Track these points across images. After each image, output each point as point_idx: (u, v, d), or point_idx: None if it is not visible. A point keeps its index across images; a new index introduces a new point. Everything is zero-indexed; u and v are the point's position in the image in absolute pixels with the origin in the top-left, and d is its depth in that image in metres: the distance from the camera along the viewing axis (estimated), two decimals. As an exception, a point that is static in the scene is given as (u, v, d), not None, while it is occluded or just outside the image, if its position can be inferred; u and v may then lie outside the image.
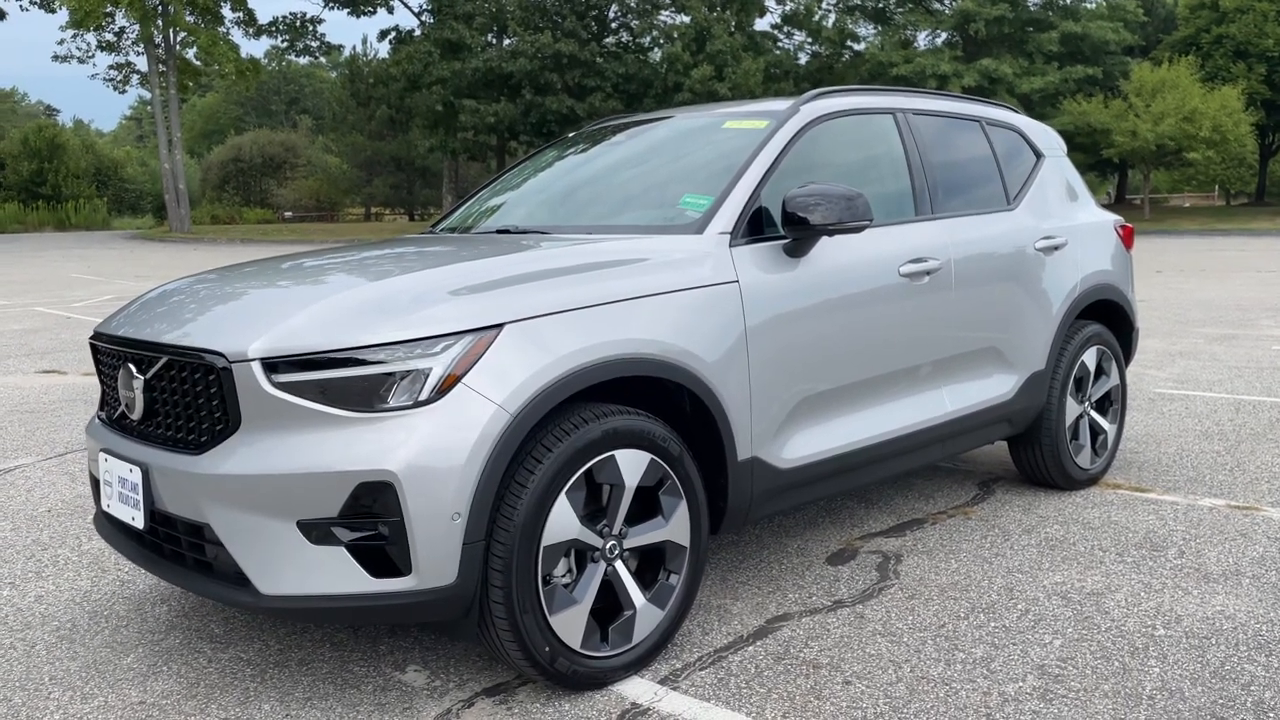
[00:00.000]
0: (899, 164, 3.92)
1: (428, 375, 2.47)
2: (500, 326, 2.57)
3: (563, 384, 2.61)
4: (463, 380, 2.48)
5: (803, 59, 41.17)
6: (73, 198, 52.09)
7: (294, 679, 2.91)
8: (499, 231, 3.61)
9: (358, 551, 2.47)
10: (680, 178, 3.65)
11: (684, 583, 2.97)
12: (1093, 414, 4.70)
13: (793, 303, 3.24)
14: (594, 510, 2.78)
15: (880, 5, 40.85)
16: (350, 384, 2.45)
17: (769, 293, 3.18)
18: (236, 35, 41.48)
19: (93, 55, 43.24)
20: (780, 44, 40.44)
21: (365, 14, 40.03)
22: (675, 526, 2.91)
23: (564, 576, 2.72)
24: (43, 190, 52.42)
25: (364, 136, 53.44)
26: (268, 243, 31.80)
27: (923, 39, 40.45)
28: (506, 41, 35.30)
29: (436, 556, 2.44)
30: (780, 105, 3.72)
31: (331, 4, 39.94)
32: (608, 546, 2.77)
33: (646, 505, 2.89)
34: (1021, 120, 4.73)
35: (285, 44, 40.74)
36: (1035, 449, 4.52)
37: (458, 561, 2.46)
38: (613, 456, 2.73)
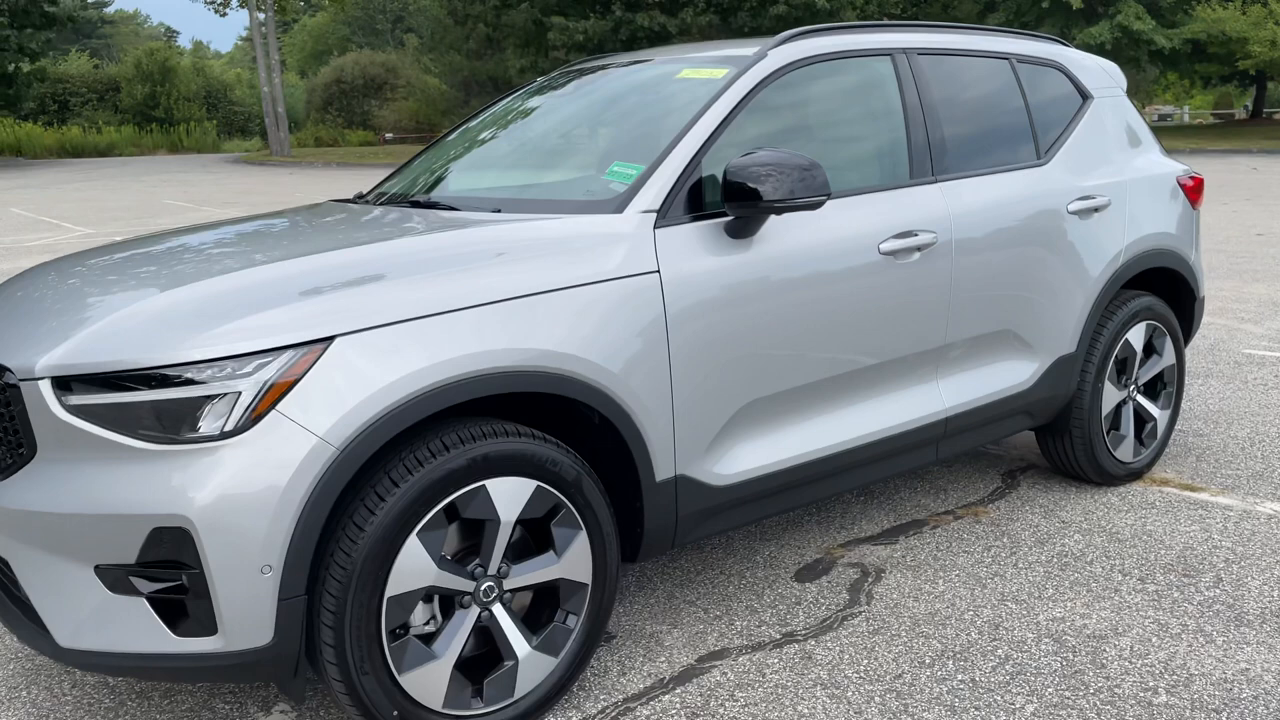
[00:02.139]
0: (894, 117, 3.32)
1: (236, 400, 2.09)
2: (330, 339, 2.16)
3: (411, 407, 2.20)
4: (277, 407, 2.09)
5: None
6: (184, 120, 53.38)
7: (152, 713, 2.63)
8: (411, 204, 3.17)
9: (159, 605, 2.14)
10: (616, 142, 3.15)
11: (585, 624, 2.57)
12: (1139, 399, 4.07)
13: (733, 294, 2.75)
14: (465, 548, 2.39)
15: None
16: (147, 409, 2.09)
17: (702, 283, 2.69)
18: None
19: (195, -22, 43.41)
20: (886, -49, 38.11)
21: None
22: (572, 562, 2.50)
23: (426, 625, 2.35)
24: (156, 113, 53.82)
25: (462, 56, 53.08)
26: (363, 166, 31.94)
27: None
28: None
29: (245, 614, 2.09)
30: (747, 50, 3.16)
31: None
32: (481, 589, 2.38)
33: (537, 538, 2.49)
34: (1067, 54, 4.02)
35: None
36: (1065, 441, 3.94)
37: (273, 620, 2.11)
38: (483, 488, 2.32)
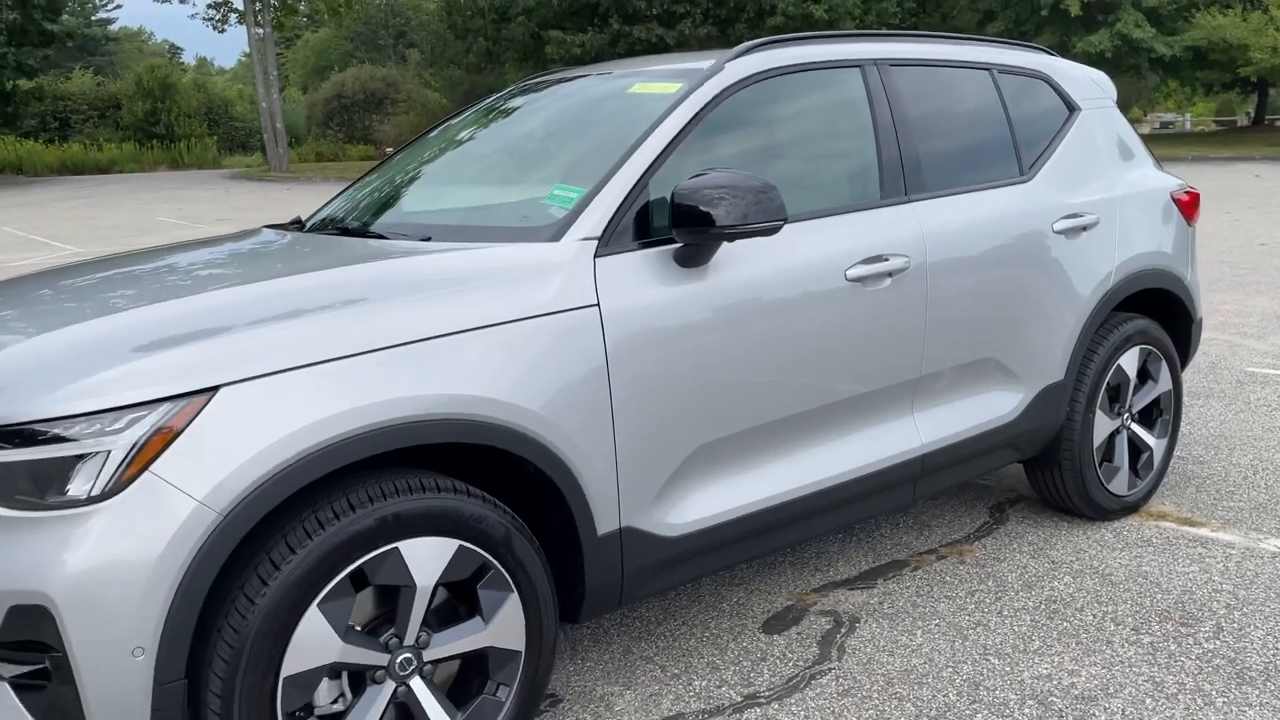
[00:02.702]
0: (863, 133, 3.09)
1: (105, 460, 1.86)
2: (214, 389, 1.93)
3: (307, 464, 1.97)
4: (151, 467, 1.87)
5: (909, -24, 38.60)
6: (185, 137, 53.34)
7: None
8: (342, 230, 2.95)
9: (23, 691, 1.91)
10: (558, 163, 2.92)
11: (518, 696, 2.33)
12: (1134, 429, 3.83)
13: (683, 328, 2.52)
14: (379, 616, 2.16)
15: (996, -86, 37.88)
16: (9, 469, 1.87)
17: (648, 317, 2.46)
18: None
19: (193, -5, 43.49)
20: (884, -40, 37.95)
21: (455, -57, 39.15)
22: (501, 627, 2.27)
23: (334, 703, 2.12)
24: (156, 130, 53.74)
25: (462, 70, 53.01)
26: (357, 181, 31.75)
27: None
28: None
29: (115, 702, 1.86)
30: (704, 63, 2.94)
31: (421, -66, 39.21)
32: (397, 662, 2.14)
33: (463, 601, 2.26)
34: (1053, 64, 3.80)
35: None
36: (1054, 474, 3.70)
37: (148, 707, 1.88)
38: (395, 550, 2.09)
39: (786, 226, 2.71)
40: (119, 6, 75.09)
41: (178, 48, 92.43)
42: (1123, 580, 3.33)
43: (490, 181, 3.01)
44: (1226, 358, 6.32)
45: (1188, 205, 3.95)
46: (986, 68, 3.52)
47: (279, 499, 1.94)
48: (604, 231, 2.47)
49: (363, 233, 2.84)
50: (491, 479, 2.40)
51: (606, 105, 3.07)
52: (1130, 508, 3.84)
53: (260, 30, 37.99)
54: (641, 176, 2.56)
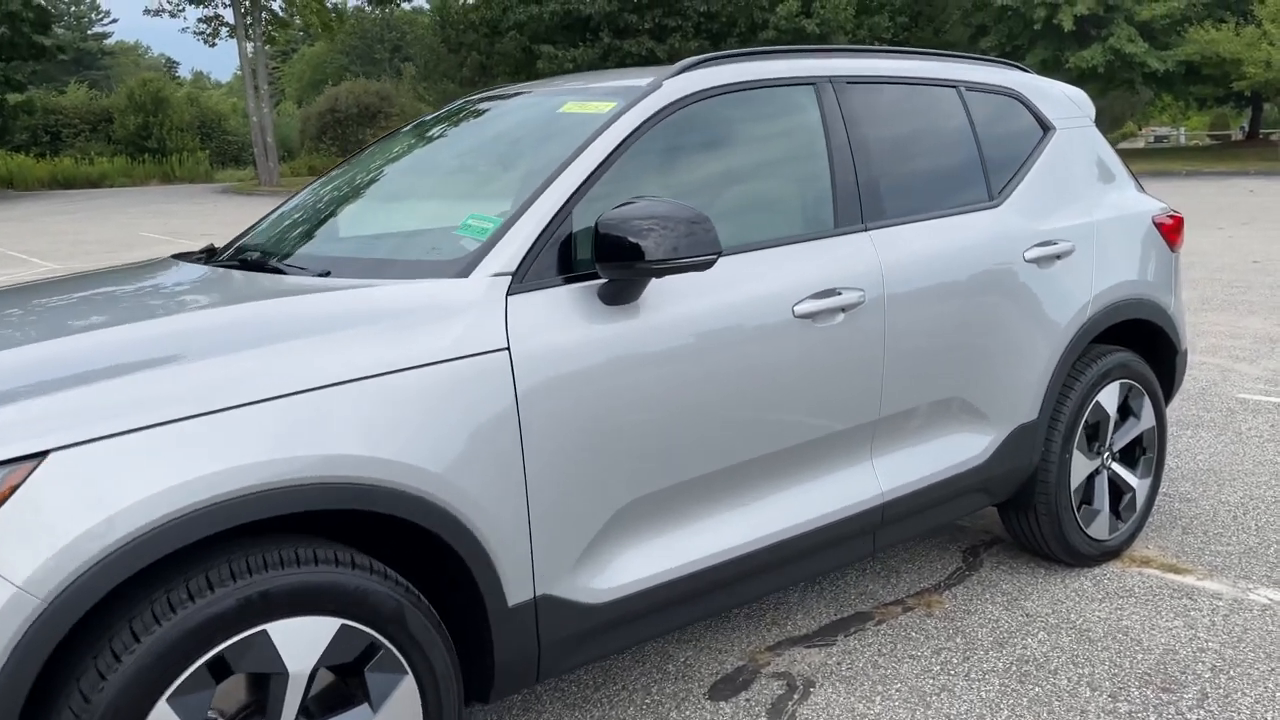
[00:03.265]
0: (816, 156, 2.86)
1: None
2: (43, 455, 1.68)
3: (152, 540, 1.72)
4: None
5: (901, -10, 38.54)
6: (177, 151, 53.10)
7: None
8: (241, 263, 2.70)
9: None
10: (476, 189, 2.69)
11: (414, 788, 2.08)
12: (1115, 468, 3.59)
13: (609, 372, 2.27)
14: (249, 706, 1.91)
15: (988, -71, 37.84)
16: None
17: (568, 360, 2.22)
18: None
19: (183, 9, 43.29)
20: (877, -25, 37.87)
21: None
22: (393, 714, 2.02)
23: (195, 807, 1.87)
24: (149, 144, 53.50)
25: (455, 84, 52.91)
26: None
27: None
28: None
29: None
30: (643, 80, 2.71)
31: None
32: (269, 758, 1.89)
33: (350, 686, 2.00)
34: (1025, 80, 3.57)
35: (368, -8, 40.13)
36: (1029, 519, 3.45)
37: (-39, 827, 1.63)
38: (263, 633, 1.84)
39: (729, 259, 2.49)
40: (115, 21, 75.01)
41: (174, 62, 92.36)
42: (1101, 637, 3.08)
43: (407, 209, 2.77)
44: (1217, 383, 6.09)
45: (1170, 230, 3.72)
46: (953, 85, 3.29)
47: (116, 581, 1.69)
48: (519, 266, 2.23)
49: (262, 265, 2.60)
50: (397, 544, 2.16)
51: (536, 126, 2.84)
52: (1111, 553, 3.60)
53: (251, 44, 37.85)
54: (564, 205, 2.33)
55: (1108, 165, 3.69)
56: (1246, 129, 44.09)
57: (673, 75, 2.68)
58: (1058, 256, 3.28)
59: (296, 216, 3.03)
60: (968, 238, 3.08)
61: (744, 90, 2.78)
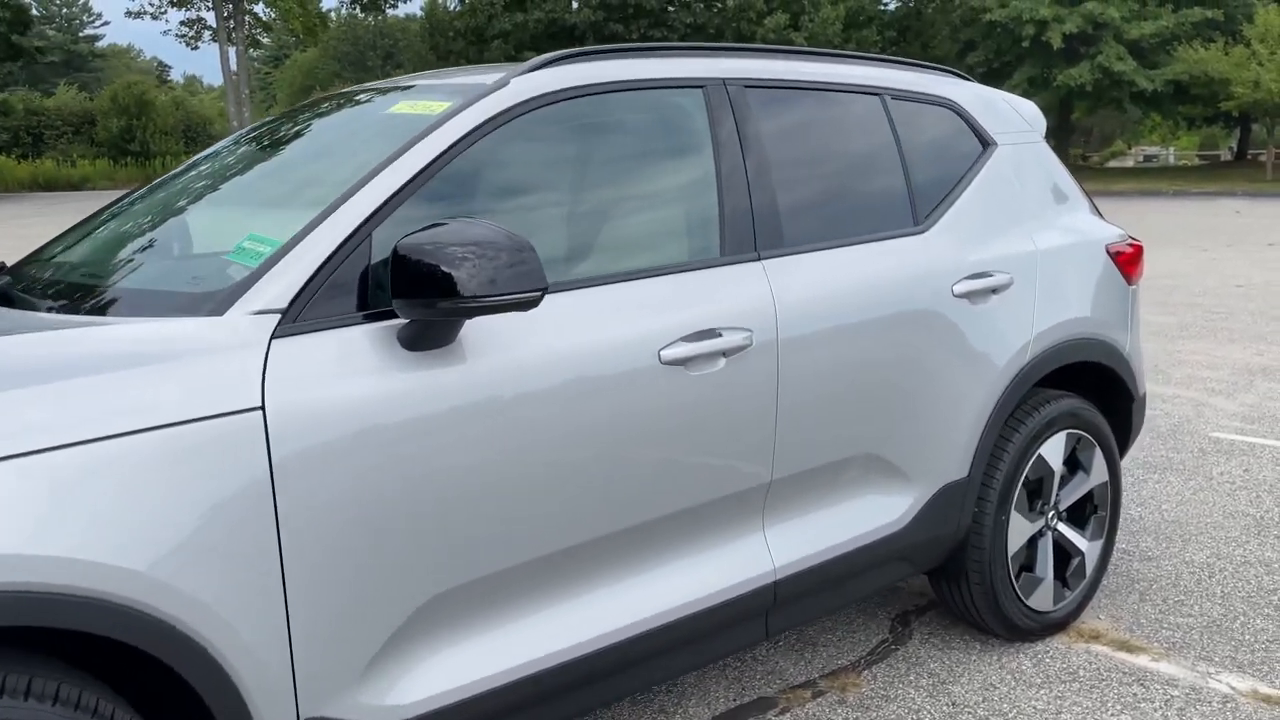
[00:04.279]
0: (701, 172, 2.44)
1: None
2: None
3: None
4: None
5: (890, 4, 38.40)
6: (161, 154, 52.54)
7: None
8: (24, 289, 2.23)
9: None
10: (266, 205, 2.25)
11: None
12: (1061, 529, 3.16)
13: (405, 435, 1.84)
14: None
15: (978, -56, 37.65)
16: None
17: (347, 422, 1.77)
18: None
19: (165, 11, 42.80)
20: (866, -12, 37.69)
21: (431, -38, 38.76)
22: None
23: None
24: (131, 147, 52.89)
25: (443, 92, 52.36)
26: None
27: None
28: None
29: None
30: (490, 77, 2.28)
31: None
32: None
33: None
34: (964, 90, 3.15)
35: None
36: (961, 589, 3.03)
37: None
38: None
39: (581, 295, 2.07)
40: (107, 24, 74.44)
41: (166, 65, 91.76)
42: (1034, 735, 2.65)
43: (192, 229, 2.32)
44: (1190, 420, 5.68)
45: (1128, 260, 3.30)
46: (876, 93, 2.87)
47: None
48: (294, 301, 1.79)
49: (4, 295, 2.15)
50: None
51: (359, 130, 2.41)
52: (1056, 625, 3.17)
53: (233, 47, 37.43)
54: (363, 225, 1.89)
55: (1058, 187, 3.27)
56: (1235, 149, 43.97)
57: (524, 72, 2.25)
58: (993, 290, 2.86)
59: (74, 239, 2.54)
60: (885, 269, 2.65)
61: (614, 92, 2.35)
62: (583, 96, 2.29)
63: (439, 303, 1.76)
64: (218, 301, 1.77)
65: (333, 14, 55.45)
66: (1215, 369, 6.94)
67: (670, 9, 33.65)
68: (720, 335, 2.26)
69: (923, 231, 2.80)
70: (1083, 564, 3.21)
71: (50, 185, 45.66)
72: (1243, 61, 30.50)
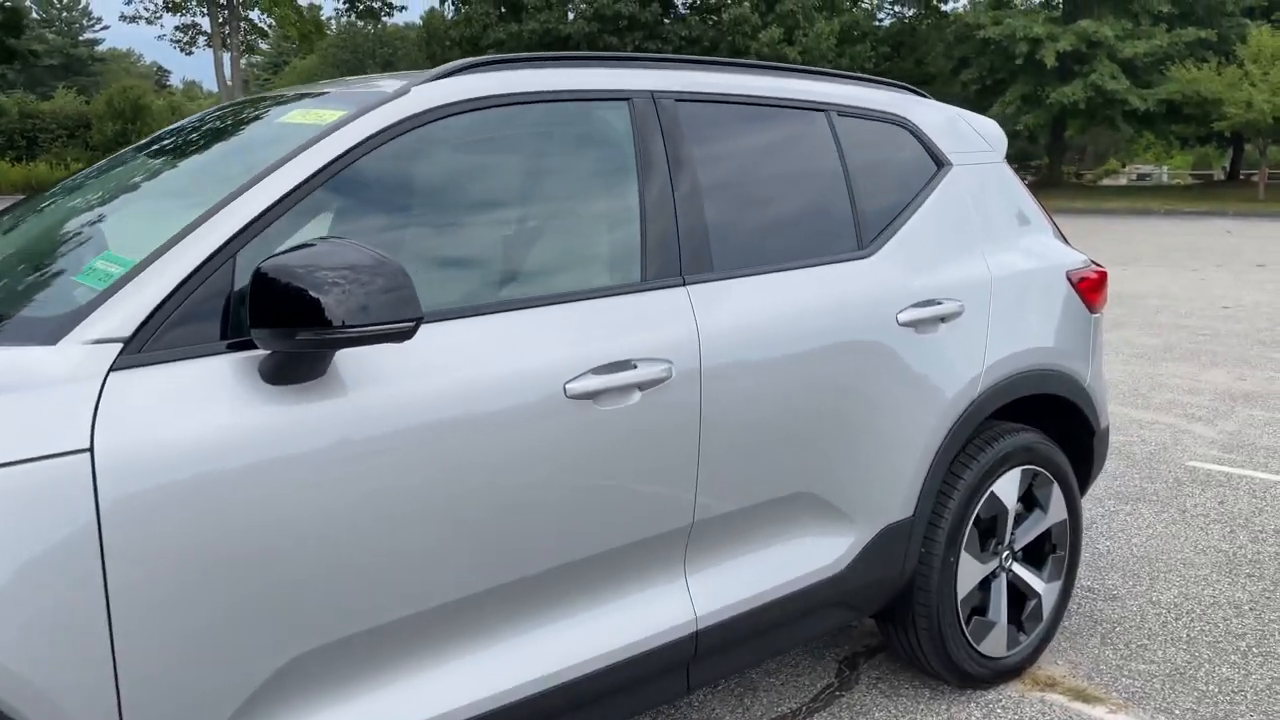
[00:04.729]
0: (622, 190, 2.28)
1: None
2: None
3: None
4: None
5: (885, 20, 38.42)
6: (154, 159, 52.34)
7: None
8: None
9: None
10: (128, 223, 2.08)
11: None
12: (1016, 570, 2.99)
13: (262, 479, 1.67)
14: None
15: (973, -39, 37.69)
16: None
17: (190, 465, 1.60)
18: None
19: (160, 16, 42.67)
20: (861, 4, 37.75)
21: (428, -27, 38.72)
22: None
23: None
24: (125, 151, 52.84)
25: (439, 100, 52.27)
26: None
27: (1020, -1, 37.23)
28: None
29: None
30: (392, 85, 2.12)
31: (394, -38, 38.73)
32: None
33: None
34: (918, 106, 3.00)
35: (346, 4, 39.64)
36: (907, 634, 2.86)
37: None
38: None
39: (478, 323, 1.91)
40: (106, 28, 74.38)
41: (165, 70, 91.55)
42: (977, 796, 2.48)
43: (67, 244, 2.15)
44: (1167, 448, 5.52)
45: (1090, 287, 3.14)
46: (821, 108, 2.71)
47: None
48: (139, 329, 1.62)
49: None
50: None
51: (247, 141, 2.24)
52: (1010, 671, 3.00)
53: (228, 53, 37.29)
54: (225, 245, 1.73)
55: (1018, 210, 3.12)
56: (1228, 169, 44.00)
57: (428, 80, 2.09)
58: (942, 319, 2.70)
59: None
60: (824, 296, 2.49)
61: (529, 103, 2.19)
62: (492, 107, 2.13)
63: (299, 334, 1.60)
64: (52, 329, 1.60)
65: (332, 22, 55.40)
66: (1196, 394, 6.80)
67: (665, 22, 33.57)
68: (635, 367, 2.09)
69: (867, 256, 2.64)
70: (1039, 607, 3.04)
71: (43, 188, 45.38)
72: (1235, 82, 30.50)
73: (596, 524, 2.08)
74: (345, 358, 1.76)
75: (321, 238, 1.69)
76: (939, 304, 2.70)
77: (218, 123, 2.45)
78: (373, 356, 1.79)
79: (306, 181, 1.83)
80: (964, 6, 37.20)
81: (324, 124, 1.97)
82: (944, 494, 2.75)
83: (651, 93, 2.36)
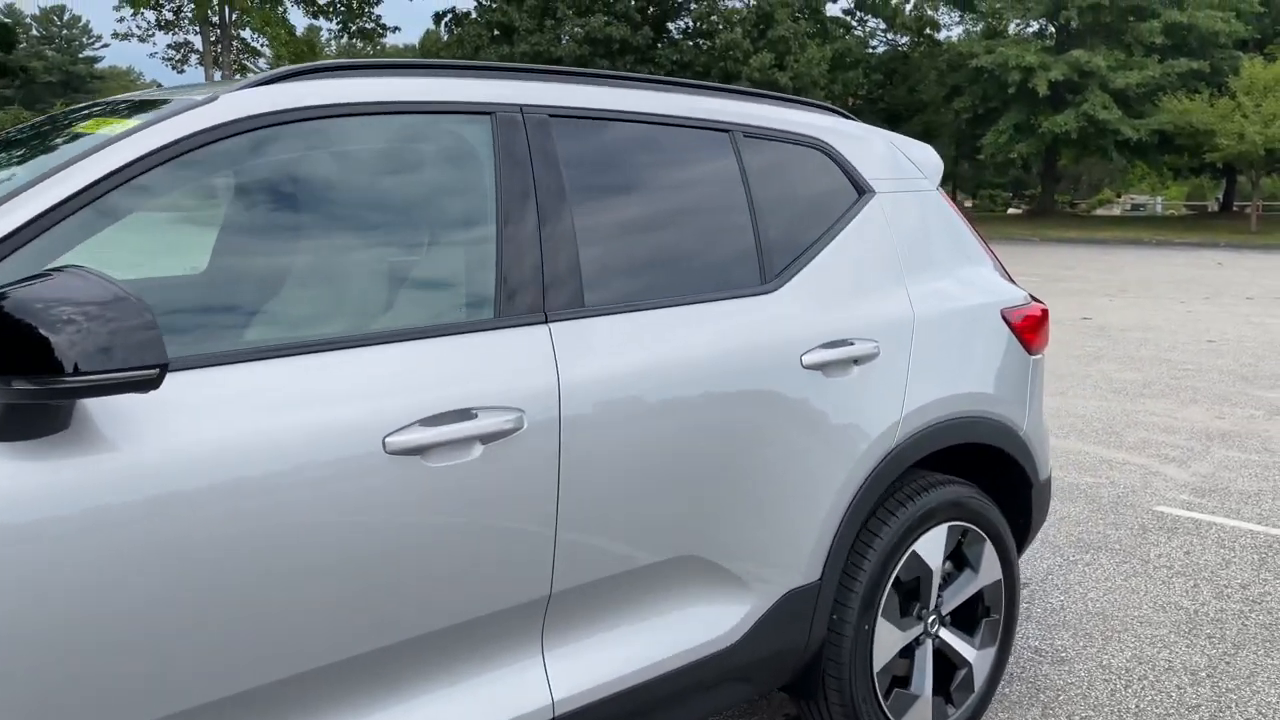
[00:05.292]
0: (476, 216, 2.02)
1: None
2: None
3: None
4: None
5: (878, 47, 38.42)
6: (147, 176, 52.21)
7: None
8: None
9: None
10: None
11: None
12: (944, 636, 2.72)
13: (-10, 551, 1.40)
14: None
15: (966, -10, 37.79)
16: None
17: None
18: (295, 16, 40.42)
19: (152, 34, 42.61)
20: (854, 31, 37.77)
21: (421, -5, 38.71)
22: None
23: None
24: (119, 168, 52.65)
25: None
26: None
27: (1014, 28, 37.31)
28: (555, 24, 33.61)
29: None
30: (201, 94, 1.86)
31: (387, -16, 38.73)
32: None
33: None
34: (839, 129, 2.75)
35: (340, 25, 39.57)
36: (819, 708, 2.58)
37: None
38: None
39: (275, 365, 1.64)
40: (106, 45, 74.42)
41: (164, 88, 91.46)
42: None
43: None
44: (1136, 491, 5.26)
45: (1029, 327, 2.89)
46: (724, 129, 2.46)
47: None
48: None
49: None
50: None
51: (39, 151, 1.98)
52: (936, 749, 2.72)
53: (219, 71, 37.21)
54: (-41, 274, 1.47)
55: (950, 241, 2.87)
56: (1221, 200, 43.97)
57: (242, 88, 1.83)
58: (855, 360, 2.44)
59: None
60: (717, 334, 2.23)
61: (366, 115, 1.93)
62: (321, 119, 1.87)
63: (14, 382, 1.33)
64: None
65: (331, 43, 55.44)
66: (1172, 432, 6.54)
67: (658, 46, 33.56)
68: (475, 416, 1.83)
69: (771, 291, 2.39)
70: (970, 676, 2.77)
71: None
72: (1228, 113, 30.49)
73: (427, 599, 1.81)
74: (100, 405, 1.50)
75: (58, 267, 1.43)
76: (851, 344, 2.44)
77: (28, 133, 2.20)
78: (133, 404, 1.52)
79: (67, 201, 1.57)
80: (958, 36, 37.27)
81: (113, 134, 1.72)
82: (857, 554, 2.49)
83: (520, 106, 2.11)
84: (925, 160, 2.94)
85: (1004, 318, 2.84)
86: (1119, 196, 58.26)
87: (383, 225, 1.97)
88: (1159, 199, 55.79)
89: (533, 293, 2.00)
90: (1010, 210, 52.64)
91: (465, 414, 1.82)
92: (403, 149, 2.01)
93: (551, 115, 2.15)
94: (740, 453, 2.23)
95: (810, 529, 2.36)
